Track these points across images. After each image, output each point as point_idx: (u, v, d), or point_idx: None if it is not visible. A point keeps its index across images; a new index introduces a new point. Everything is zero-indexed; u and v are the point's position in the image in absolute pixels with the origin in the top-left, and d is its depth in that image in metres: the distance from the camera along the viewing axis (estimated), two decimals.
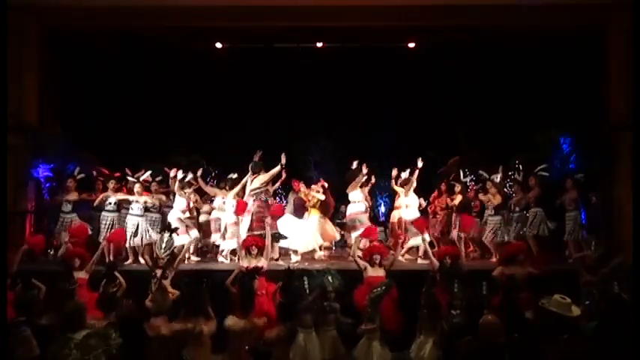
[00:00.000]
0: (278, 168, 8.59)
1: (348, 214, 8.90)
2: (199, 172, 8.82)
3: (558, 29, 9.50)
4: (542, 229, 8.40)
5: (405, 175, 9.10)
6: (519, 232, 8.51)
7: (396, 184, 9.03)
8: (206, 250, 9.31)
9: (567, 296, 4.37)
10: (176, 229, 8.33)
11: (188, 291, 5.71)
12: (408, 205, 8.81)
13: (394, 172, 9.02)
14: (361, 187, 8.88)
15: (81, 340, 4.11)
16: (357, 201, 8.79)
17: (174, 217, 8.49)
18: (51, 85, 9.83)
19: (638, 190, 7.44)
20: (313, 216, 8.96)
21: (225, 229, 8.52)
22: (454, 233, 9.07)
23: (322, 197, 8.91)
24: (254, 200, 8.48)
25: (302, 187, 9.09)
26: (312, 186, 9.19)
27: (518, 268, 6.43)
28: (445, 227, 9.31)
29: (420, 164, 8.82)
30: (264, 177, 8.61)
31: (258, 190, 8.54)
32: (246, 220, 8.25)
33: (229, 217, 8.45)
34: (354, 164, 8.92)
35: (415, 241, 8.49)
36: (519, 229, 8.51)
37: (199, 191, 9.20)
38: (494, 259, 8.52)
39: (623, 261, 6.62)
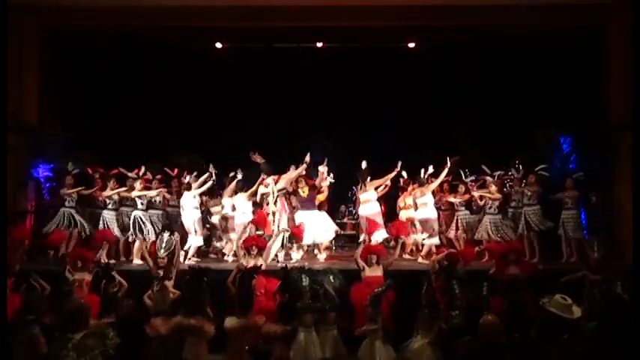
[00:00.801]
0: (304, 166, 8.61)
1: (368, 214, 8.66)
2: (237, 174, 8.86)
3: (558, 29, 9.50)
4: (540, 226, 8.42)
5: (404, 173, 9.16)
6: (515, 230, 8.53)
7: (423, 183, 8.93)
8: (207, 250, 9.32)
9: (568, 296, 4.37)
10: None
11: (188, 290, 5.72)
12: (426, 204, 8.75)
13: (430, 170, 8.96)
14: (377, 188, 8.87)
15: (79, 340, 4.10)
16: (372, 200, 8.74)
17: (194, 217, 8.53)
18: (51, 85, 9.83)
19: (638, 190, 7.44)
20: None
21: (245, 229, 8.55)
22: (451, 233, 9.10)
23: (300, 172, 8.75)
24: (285, 200, 8.55)
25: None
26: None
27: (513, 268, 6.44)
28: (448, 226, 9.32)
29: (449, 163, 8.82)
30: (289, 175, 8.65)
31: (285, 190, 8.59)
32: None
33: (248, 217, 8.54)
34: (364, 164, 8.88)
35: (434, 240, 8.53)
36: (515, 227, 8.54)
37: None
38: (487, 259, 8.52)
39: (623, 261, 6.64)
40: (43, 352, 4.77)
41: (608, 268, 6.28)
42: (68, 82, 10.17)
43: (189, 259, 8.51)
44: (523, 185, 8.73)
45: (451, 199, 9.24)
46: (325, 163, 8.88)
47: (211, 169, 8.98)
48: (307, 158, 8.63)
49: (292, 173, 8.69)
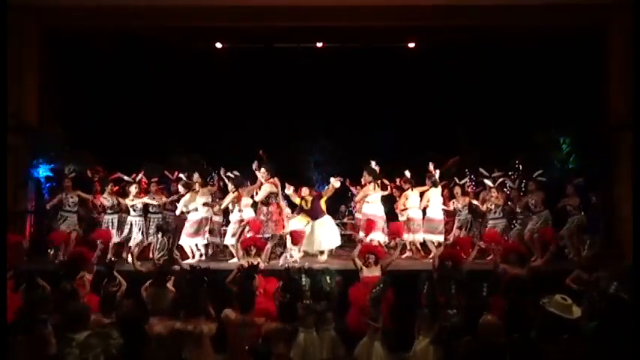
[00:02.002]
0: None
1: (378, 214, 8.69)
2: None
3: (558, 29, 9.51)
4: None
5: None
6: (522, 234, 8.51)
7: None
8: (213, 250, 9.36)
9: (568, 296, 4.37)
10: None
11: (188, 290, 5.72)
12: (438, 204, 8.84)
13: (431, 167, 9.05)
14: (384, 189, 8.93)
15: (83, 340, 4.12)
16: (379, 201, 8.75)
17: (196, 217, 8.62)
18: (51, 85, 9.84)
19: (638, 190, 7.44)
20: (301, 221, 8.88)
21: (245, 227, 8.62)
22: (455, 234, 9.11)
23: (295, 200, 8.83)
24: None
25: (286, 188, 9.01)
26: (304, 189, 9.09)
27: (517, 267, 6.44)
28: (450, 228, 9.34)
29: (431, 167, 8.88)
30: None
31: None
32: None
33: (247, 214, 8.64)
34: (373, 164, 8.90)
35: (440, 237, 8.72)
36: (522, 231, 8.51)
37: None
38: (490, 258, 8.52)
39: (622, 261, 6.64)
40: (53, 353, 4.74)
41: (601, 268, 6.29)
42: (68, 82, 10.18)
43: (194, 258, 8.54)
44: (523, 194, 8.73)
45: (453, 203, 9.25)
46: (337, 178, 8.79)
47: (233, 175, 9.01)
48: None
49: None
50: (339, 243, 8.76)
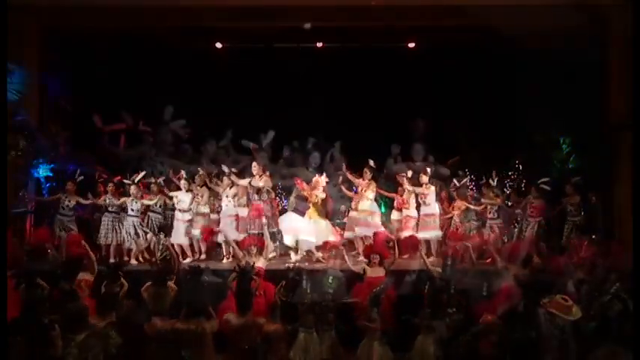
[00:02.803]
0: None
1: (371, 210, 8.87)
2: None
3: (558, 29, 9.50)
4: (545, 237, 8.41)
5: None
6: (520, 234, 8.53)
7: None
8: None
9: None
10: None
11: (189, 290, 5.72)
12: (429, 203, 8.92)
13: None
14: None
15: (82, 339, 4.12)
16: (371, 200, 8.85)
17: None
18: (51, 85, 9.83)
19: (638, 190, 7.43)
20: (312, 218, 8.94)
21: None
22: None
23: (323, 195, 8.90)
24: None
25: (304, 185, 9.09)
26: (315, 179, 9.15)
27: (520, 267, 6.46)
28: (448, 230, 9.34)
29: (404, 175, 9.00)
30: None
31: None
32: None
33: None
34: (371, 163, 9.00)
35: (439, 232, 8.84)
36: (519, 235, 8.54)
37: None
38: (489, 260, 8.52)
39: (622, 261, 6.63)
40: (57, 355, 4.74)
41: (601, 268, 6.30)
42: (68, 82, 10.16)
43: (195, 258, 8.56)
44: (525, 198, 8.76)
45: (454, 213, 9.24)
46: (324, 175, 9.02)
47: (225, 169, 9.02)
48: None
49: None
50: (298, 245, 8.76)
